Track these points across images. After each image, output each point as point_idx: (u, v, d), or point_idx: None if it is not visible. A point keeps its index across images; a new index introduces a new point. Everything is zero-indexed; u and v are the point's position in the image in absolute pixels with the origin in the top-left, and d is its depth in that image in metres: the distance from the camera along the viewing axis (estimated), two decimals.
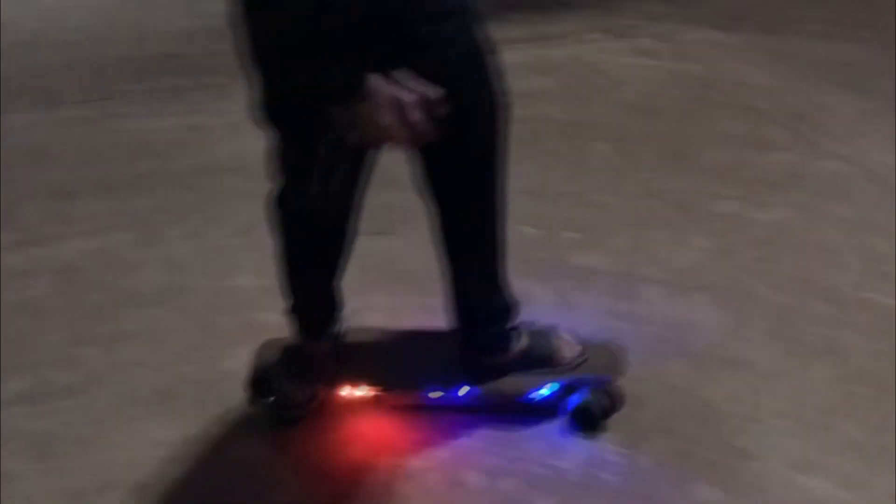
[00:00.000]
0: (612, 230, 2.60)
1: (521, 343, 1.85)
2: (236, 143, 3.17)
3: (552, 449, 1.81)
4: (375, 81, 1.36)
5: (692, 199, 2.76)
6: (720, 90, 3.68)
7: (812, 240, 2.52)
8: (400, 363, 1.91)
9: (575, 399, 1.84)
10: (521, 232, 2.60)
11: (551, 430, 1.84)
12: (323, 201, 1.56)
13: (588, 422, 1.83)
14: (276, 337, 1.92)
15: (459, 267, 1.80)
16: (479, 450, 1.82)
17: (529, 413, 1.86)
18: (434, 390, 1.87)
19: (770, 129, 3.30)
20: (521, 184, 2.97)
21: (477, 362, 1.86)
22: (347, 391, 1.87)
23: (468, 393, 1.85)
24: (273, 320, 1.92)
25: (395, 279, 2.36)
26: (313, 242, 1.74)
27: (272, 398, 1.86)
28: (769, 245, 2.49)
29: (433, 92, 1.40)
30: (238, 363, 1.94)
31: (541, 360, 1.85)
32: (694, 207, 2.71)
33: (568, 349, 1.87)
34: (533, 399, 1.85)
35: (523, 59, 4.12)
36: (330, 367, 1.87)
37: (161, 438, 1.86)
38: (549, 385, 1.84)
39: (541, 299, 2.26)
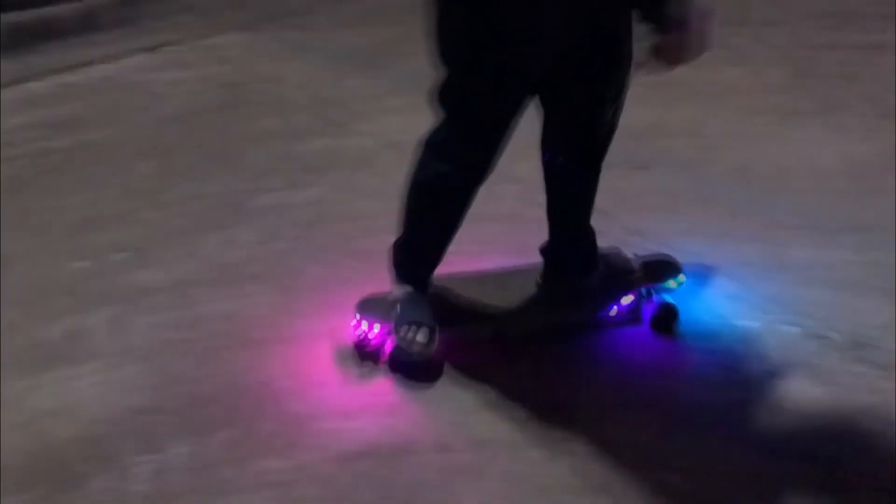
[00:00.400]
0: (163, 244, 2.63)
1: (602, 263, 2.14)
2: None
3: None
4: (697, 7, 1.61)
5: (238, 197, 2.89)
6: (253, 89, 3.86)
7: (349, 211, 2.77)
8: (497, 298, 2.09)
9: (651, 305, 2.12)
10: (69, 269, 2.52)
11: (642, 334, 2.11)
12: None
13: (673, 320, 2.10)
14: (373, 294, 2.07)
15: (569, 200, 2.06)
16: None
17: (617, 326, 2.12)
18: (532, 318, 2.09)
19: (303, 118, 3.55)
20: (66, 218, 2.89)
21: (571, 286, 2.11)
22: (456, 330, 2.02)
23: (568, 314, 2.12)
24: None
25: None
26: (455, 192, 1.89)
27: (398, 347, 1.97)
28: (310, 225, 2.70)
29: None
30: None
31: (617, 275, 2.13)
32: (240, 205, 2.83)
33: (634, 263, 2.16)
34: (621, 310, 2.12)
35: (54, 88, 3.94)
36: (440, 310, 2.00)
37: None
38: (628, 296, 2.12)
39: (95, 330, 2.22)
